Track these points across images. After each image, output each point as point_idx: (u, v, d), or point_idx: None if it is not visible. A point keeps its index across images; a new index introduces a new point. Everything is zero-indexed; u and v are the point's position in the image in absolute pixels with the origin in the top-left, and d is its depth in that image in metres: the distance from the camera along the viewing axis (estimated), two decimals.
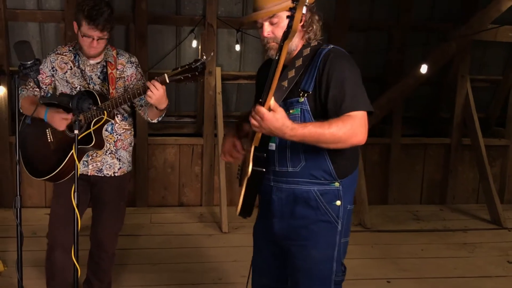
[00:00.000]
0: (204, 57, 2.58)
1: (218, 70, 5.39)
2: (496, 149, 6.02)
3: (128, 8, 5.21)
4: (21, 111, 2.99)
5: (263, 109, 1.95)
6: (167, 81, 2.62)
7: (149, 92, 2.63)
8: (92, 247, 3.29)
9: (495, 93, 6.16)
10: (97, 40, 2.86)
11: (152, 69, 5.24)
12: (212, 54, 2.62)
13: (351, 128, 2.04)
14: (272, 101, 1.95)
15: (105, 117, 2.77)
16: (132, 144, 3.27)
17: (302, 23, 2.21)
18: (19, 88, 3.01)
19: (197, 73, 2.54)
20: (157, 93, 2.63)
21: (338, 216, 2.30)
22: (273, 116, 1.95)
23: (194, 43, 5.27)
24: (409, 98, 5.75)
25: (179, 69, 2.58)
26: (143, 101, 3.06)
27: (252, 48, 5.52)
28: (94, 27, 2.80)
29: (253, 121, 2.01)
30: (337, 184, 2.27)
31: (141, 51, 5.14)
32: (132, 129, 3.27)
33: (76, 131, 2.57)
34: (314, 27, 2.23)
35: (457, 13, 5.58)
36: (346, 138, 2.04)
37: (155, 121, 3.09)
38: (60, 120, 2.85)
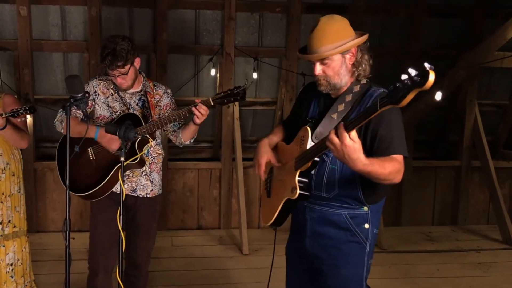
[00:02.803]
0: (246, 82, 2.82)
1: None
2: (504, 171, 6.17)
3: (149, 38, 5.41)
4: (62, 131, 3.15)
5: (346, 134, 2.01)
6: (212, 103, 2.90)
7: (197, 113, 2.91)
8: (127, 268, 3.41)
9: (502, 117, 6.35)
10: (119, 76, 3.05)
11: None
12: (252, 81, 2.93)
13: (400, 170, 2.25)
14: (354, 132, 2.02)
15: (150, 143, 2.96)
16: (162, 168, 3.41)
17: (352, 62, 2.39)
18: (59, 111, 3.20)
19: (238, 97, 2.84)
20: (205, 114, 2.94)
21: (367, 238, 2.46)
22: (353, 145, 2.02)
23: (213, 72, 5.47)
24: (420, 122, 5.92)
25: (222, 94, 2.88)
26: (176, 126, 3.25)
27: (267, 76, 5.72)
28: (108, 68, 3.02)
29: (333, 142, 2.04)
30: (366, 208, 2.45)
31: (161, 79, 5.32)
32: (163, 155, 3.43)
33: (122, 158, 2.75)
34: (364, 65, 2.40)
35: (465, 40, 5.79)
36: (394, 178, 2.24)
37: (187, 142, 3.26)
38: (110, 139, 3.04)
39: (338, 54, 2.34)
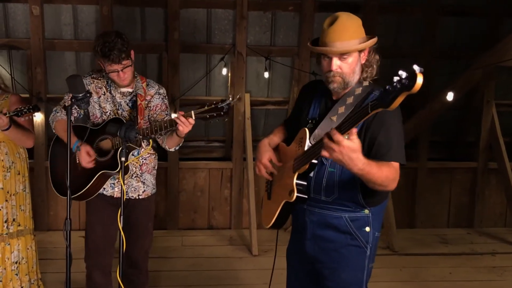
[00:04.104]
0: (231, 98, 2.70)
1: (247, 96, 5.54)
2: None
3: (161, 38, 5.39)
4: (54, 131, 3.17)
5: (340, 136, 1.92)
6: (193, 117, 2.72)
7: (179, 122, 2.73)
8: (125, 267, 3.40)
9: None
10: (122, 70, 3.01)
11: (183, 95, 5.40)
12: (238, 97, 2.71)
13: (395, 178, 2.19)
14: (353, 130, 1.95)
15: (148, 149, 2.92)
16: (156, 167, 3.38)
17: (364, 62, 2.34)
18: (54, 109, 3.20)
19: (222, 112, 2.65)
20: (188, 126, 2.74)
21: (367, 242, 2.41)
22: (352, 144, 1.93)
23: (224, 71, 5.44)
24: (435, 123, 5.82)
25: (206, 107, 2.69)
26: (163, 131, 3.19)
27: (279, 75, 5.67)
28: (112, 62, 2.97)
29: (328, 148, 1.96)
30: (366, 211, 2.39)
31: (173, 78, 5.32)
32: (156, 154, 3.38)
33: (123, 159, 2.72)
34: (374, 66, 2.35)
35: (482, 39, 5.67)
36: (389, 184, 2.18)
37: (172, 149, 3.18)
38: (84, 158, 3.03)
39: (357, 51, 2.28)
